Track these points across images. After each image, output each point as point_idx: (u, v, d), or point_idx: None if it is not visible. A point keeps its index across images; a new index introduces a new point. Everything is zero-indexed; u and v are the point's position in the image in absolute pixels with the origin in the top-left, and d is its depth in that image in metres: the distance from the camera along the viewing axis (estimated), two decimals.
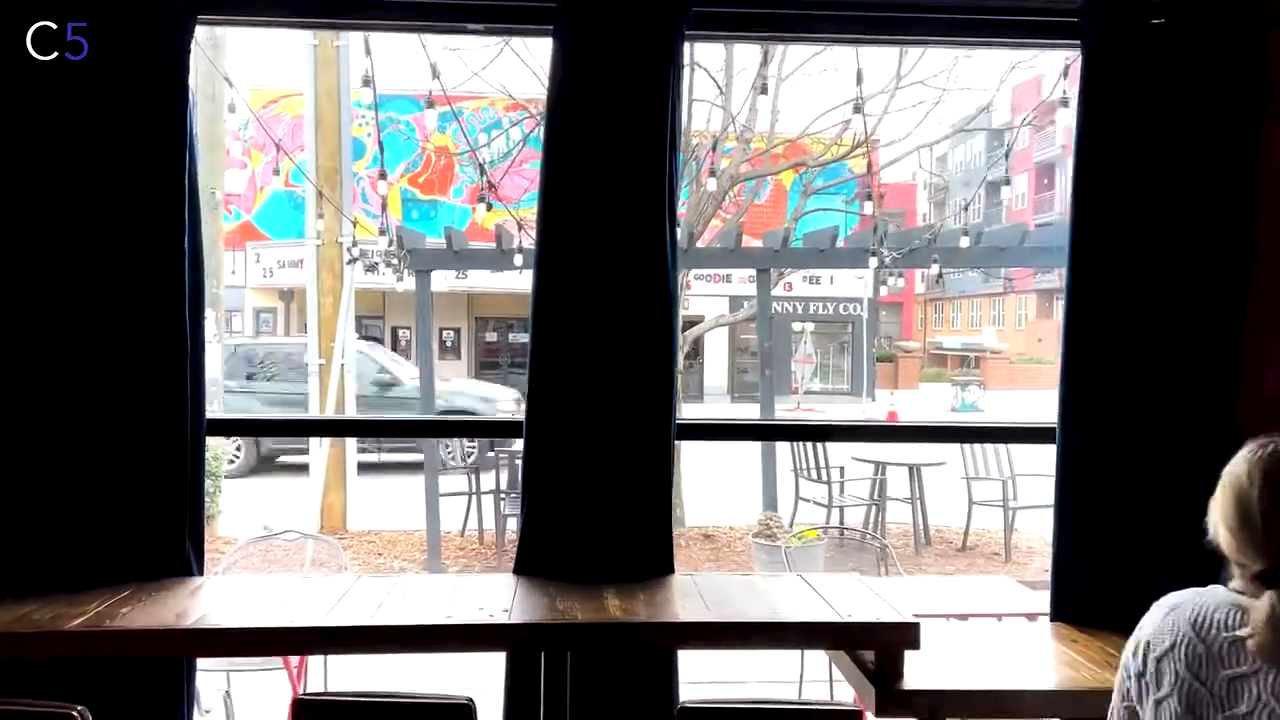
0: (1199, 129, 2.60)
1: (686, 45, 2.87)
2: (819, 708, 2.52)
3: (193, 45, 2.63)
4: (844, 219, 11.66)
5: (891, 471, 8.43)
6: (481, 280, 17.63)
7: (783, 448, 8.88)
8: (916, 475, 8.33)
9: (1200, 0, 2.59)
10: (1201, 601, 1.49)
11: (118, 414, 2.56)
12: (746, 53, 9.37)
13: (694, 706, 2.32)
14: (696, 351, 21.67)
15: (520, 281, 11.43)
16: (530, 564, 2.71)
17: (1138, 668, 1.52)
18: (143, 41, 2.53)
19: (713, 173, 7.94)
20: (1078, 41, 2.68)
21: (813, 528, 7.53)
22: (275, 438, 11.73)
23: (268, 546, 4.70)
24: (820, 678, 3.64)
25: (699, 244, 8.87)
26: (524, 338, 13.73)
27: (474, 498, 8.34)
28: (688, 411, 16.05)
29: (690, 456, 9.50)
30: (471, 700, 2.29)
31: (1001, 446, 8.18)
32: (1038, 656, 2.44)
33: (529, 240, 7.34)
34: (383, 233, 7.89)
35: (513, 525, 7.79)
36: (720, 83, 9.05)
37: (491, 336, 23.06)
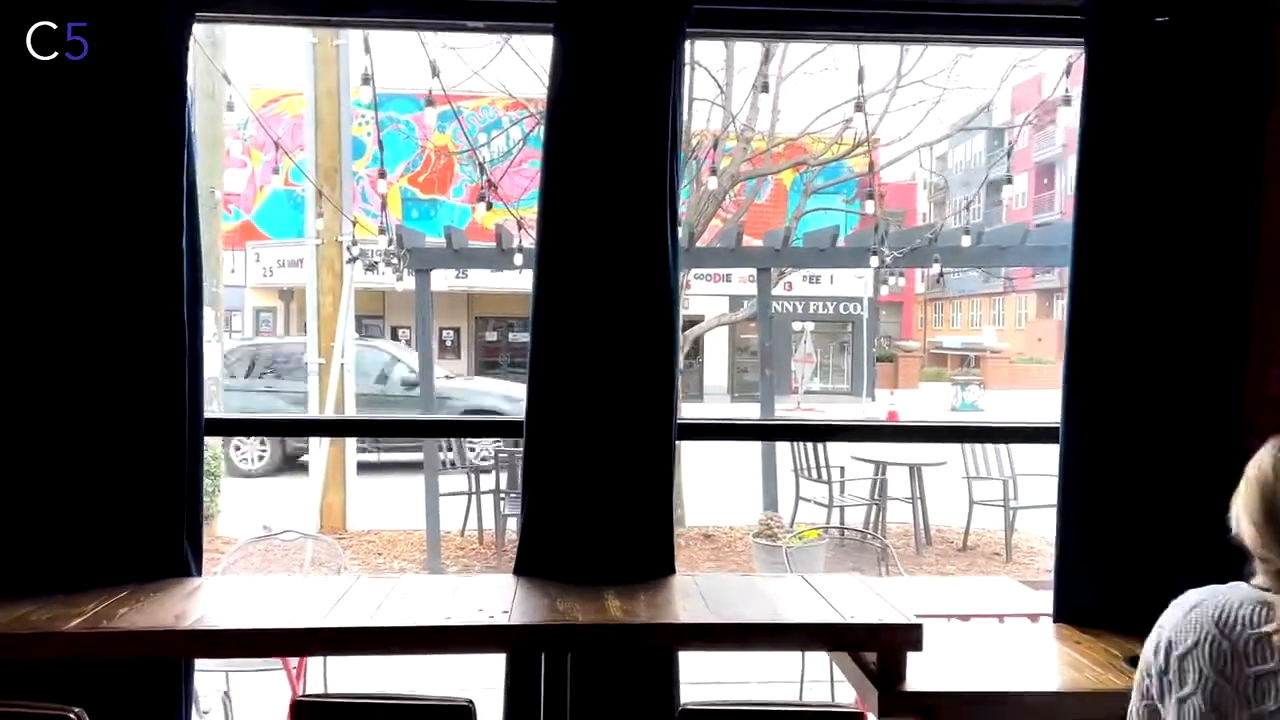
0: (1203, 127, 2.59)
1: (688, 43, 2.86)
2: (821, 710, 2.50)
3: (191, 43, 2.62)
4: (844, 218, 11.66)
5: (892, 471, 8.42)
6: (481, 280, 17.65)
7: (783, 447, 8.87)
8: (917, 475, 8.32)
9: None
10: (1225, 598, 1.48)
11: (115, 413, 2.54)
12: (747, 51, 9.36)
13: (695, 709, 2.31)
14: (696, 351, 21.67)
15: (520, 281, 11.40)
16: (530, 564, 2.70)
17: (1160, 666, 1.50)
18: (141, 38, 2.52)
19: (713, 171, 7.92)
20: (1081, 39, 2.67)
21: (813, 527, 7.52)
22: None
23: (267, 546, 4.69)
24: (821, 678, 3.63)
25: (699, 243, 8.86)
26: (524, 337, 13.70)
27: (474, 497, 8.32)
28: (687, 411, 16.02)
29: (690, 456, 9.49)
30: (471, 702, 2.28)
31: (1002, 446, 8.17)
32: (1041, 658, 2.43)
33: (529, 240, 7.32)
34: (382, 232, 7.88)
35: (513, 525, 7.78)
36: (721, 82, 9.04)
37: (491, 336, 23.05)
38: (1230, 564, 2.14)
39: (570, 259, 2.65)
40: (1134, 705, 1.58)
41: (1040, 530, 8.36)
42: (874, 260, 8.20)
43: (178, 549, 2.61)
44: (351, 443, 9.37)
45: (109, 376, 2.54)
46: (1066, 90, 5.42)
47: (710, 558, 8.09)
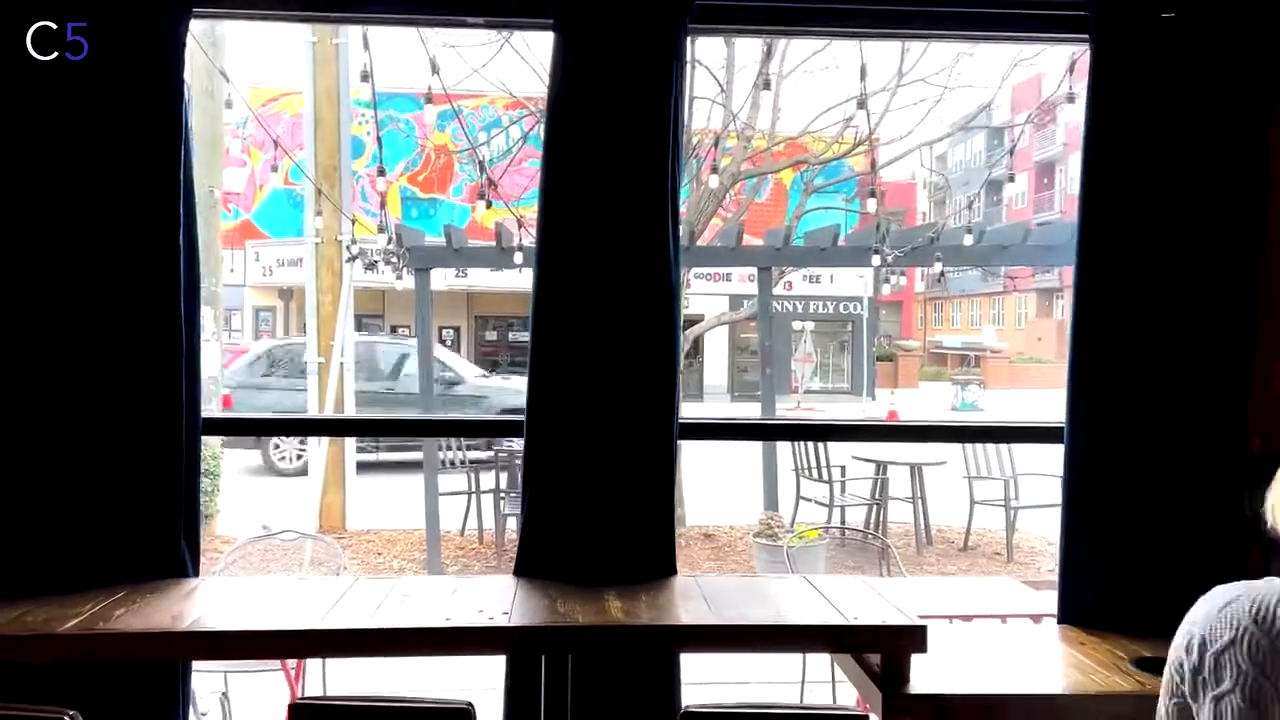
0: (1209, 124, 2.57)
1: (689, 40, 2.84)
2: (824, 712, 2.49)
3: (189, 39, 2.60)
4: (845, 217, 11.65)
5: (893, 471, 8.41)
6: (481, 278, 17.66)
7: (783, 447, 8.86)
8: (918, 475, 8.31)
9: None
10: (1260, 594, 1.45)
11: (112, 412, 2.52)
12: (747, 50, 9.35)
13: (697, 711, 2.29)
14: (697, 350, 21.66)
15: (520, 280, 11.40)
16: (530, 565, 2.68)
17: (1193, 664, 1.47)
18: (138, 34, 2.50)
19: (714, 170, 7.90)
20: (1086, 35, 2.65)
21: (814, 527, 7.52)
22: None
23: (266, 546, 4.67)
24: (823, 679, 3.61)
25: (700, 242, 8.85)
26: (524, 336, 13.71)
27: (474, 497, 8.31)
28: (688, 410, 15.99)
29: (691, 456, 9.47)
30: (471, 705, 2.26)
31: (1003, 446, 8.16)
32: (1046, 660, 2.40)
33: (529, 238, 7.30)
34: (382, 231, 7.87)
35: (513, 525, 7.76)
36: (721, 80, 9.03)
37: (491, 335, 23.05)
38: (1232, 564, 2.12)
39: (571, 258, 2.63)
40: (1163, 704, 1.55)
41: (1041, 530, 8.35)
42: (874, 259, 8.18)
43: (175, 549, 2.59)
44: (351, 442, 9.36)
45: (105, 375, 2.51)
46: (1070, 88, 5.40)
47: (711, 557, 8.07)
